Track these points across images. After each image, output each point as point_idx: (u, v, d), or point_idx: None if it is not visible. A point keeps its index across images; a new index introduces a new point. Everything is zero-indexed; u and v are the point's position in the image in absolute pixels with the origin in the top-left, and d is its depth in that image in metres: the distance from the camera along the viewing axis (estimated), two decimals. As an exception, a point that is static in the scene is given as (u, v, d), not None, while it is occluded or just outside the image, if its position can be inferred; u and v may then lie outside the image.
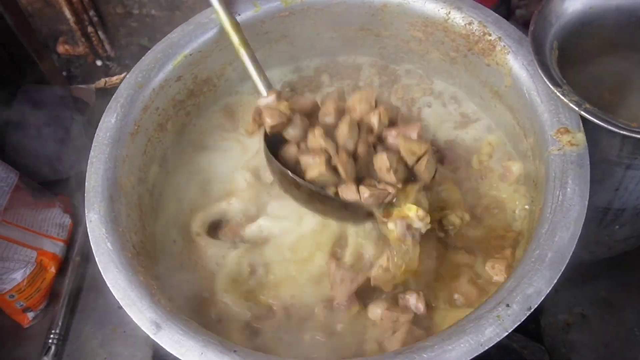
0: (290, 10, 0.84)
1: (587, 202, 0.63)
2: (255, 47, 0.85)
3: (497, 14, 0.77)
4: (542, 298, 0.58)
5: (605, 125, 0.63)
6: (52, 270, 0.98)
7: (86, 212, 0.69)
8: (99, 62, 1.15)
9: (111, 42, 1.10)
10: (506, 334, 0.57)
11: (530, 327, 0.88)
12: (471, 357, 0.56)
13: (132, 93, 0.77)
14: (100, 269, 0.65)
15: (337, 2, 0.84)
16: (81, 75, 1.18)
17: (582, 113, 0.65)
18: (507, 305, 0.58)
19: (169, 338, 0.60)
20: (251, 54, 0.76)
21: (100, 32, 1.10)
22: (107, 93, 0.74)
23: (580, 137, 0.66)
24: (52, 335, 0.94)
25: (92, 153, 0.73)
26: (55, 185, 1.07)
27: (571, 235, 0.61)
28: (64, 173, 1.07)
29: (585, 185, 0.64)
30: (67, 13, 1.04)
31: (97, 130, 0.74)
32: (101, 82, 1.13)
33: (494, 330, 0.57)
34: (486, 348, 0.56)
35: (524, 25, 0.75)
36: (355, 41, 0.89)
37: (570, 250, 0.61)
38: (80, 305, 0.98)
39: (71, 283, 0.99)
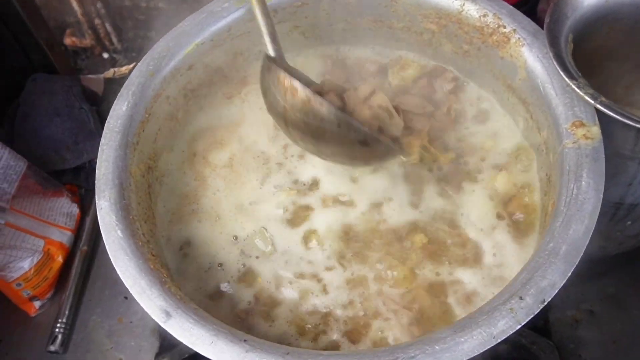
0: (304, 0, 0.83)
1: (602, 196, 0.62)
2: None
3: (511, 6, 0.76)
4: (557, 291, 0.58)
5: (621, 119, 0.62)
6: (60, 259, 0.98)
7: (96, 199, 0.68)
8: (105, 55, 1.15)
9: (118, 34, 1.10)
10: (519, 326, 0.57)
11: (539, 323, 0.88)
12: (484, 349, 0.56)
13: (144, 81, 0.77)
14: (110, 256, 0.65)
15: (348, -8, 0.83)
16: (88, 67, 1.18)
17: (598, 106, 0.64)
18: (521, 298, 0.58)
19: (179, 326, 0.60)
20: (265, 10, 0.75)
21: (107, 25, 1.09)
22: (116, 83, 0.73)
23: (596, 130, 0.66)
24: (58, 325, 0.94)
25: (102, 140, 0.73)
26: (63, 174, 1.07)
27: (585, 228, 0.61)
28: (72, 162, 1.06)
29: (601, 178, 0.63)
30: (75, 5, 1.04)
31: (108, 117, 0.74)
32: (110, 72, 1.12)
33: (507, 322, 0.57)
34: (499, 340, 0.56)
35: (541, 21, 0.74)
36: (368, 33, 0.88)
37: (585, 243, 0.60)
38: (87, 295, 0.98)
39: (78, 272, 0.99)
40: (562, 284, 0.58)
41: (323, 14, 0.86)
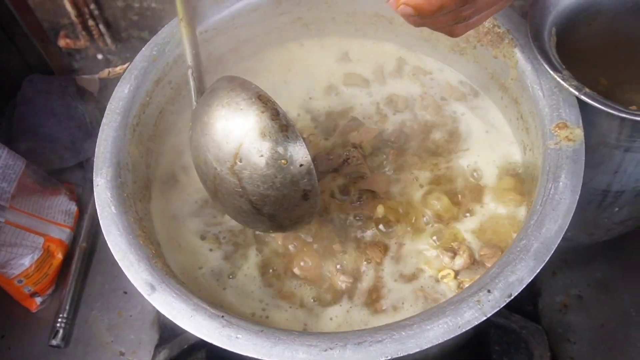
0: (302, -10, 0.86)
1: (577, 197, 0.63)
2: (270, 27, 0.88)
3: (509, 7, 0.77)
4: (524, 286, 0.60)
5: (605, 109, 0.65)
6: (59, 256, 1.00)
7: (94, 176, 0.72)
8: (100, 56, 1.14)
9: (112, 35, 1.09)
10: (484, 318, 0.58)
11: (529, 309, 0.89)
12: (448, 338, 0.58)
13: (146, 65, 0.80)
14: (103, 230, 0.68)
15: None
16: (82, 69, 1.18)
17: (582, 97, 0.66)
18: (489, 291, 0.60)
19: (162, 300, 0.63)
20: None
21: (101, 26, 1.08)
22: (110, 83, 0.74)
23: (578, 133, 0.67)
24: (59, 320, 0.95)
25: (104, 120, 0.76)
26: (61, 173, 1.09)
27: (558, 228, 0.62)
28: (69, 161, 1.09)
29: (578, 180, 0.64)
30: (68, 6, 1.03)
31: (110, 99, 0.77)
32: (105, 72, 1.14)
33: (472, 314, 0.58)
34: (463, 330, 0.58)
35: (522, 16, 0.75)
36: (369, 27, 0.90)
37: (556, 243, 0.61)
38: (86, 290, 1.01)
39: (78, 268, 1.01)
40: (529, 280, 0.60)
41: (325, 6, 0.88)
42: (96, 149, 0.74)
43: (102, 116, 0.76)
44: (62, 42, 1.14)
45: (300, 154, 0.62)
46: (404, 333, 0.58)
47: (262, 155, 0.61)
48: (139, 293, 0.64)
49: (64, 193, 1.05)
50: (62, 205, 1.03)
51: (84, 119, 1.11)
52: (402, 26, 0.87)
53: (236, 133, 0.62)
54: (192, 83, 0.74)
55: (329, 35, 0.92)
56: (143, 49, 0.81)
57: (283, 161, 0.61)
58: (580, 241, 0.91)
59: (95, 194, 0.71)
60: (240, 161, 0.62)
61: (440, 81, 0.88)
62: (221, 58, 0.88)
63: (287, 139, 0.61)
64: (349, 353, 0.58)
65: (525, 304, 0.88)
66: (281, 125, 0.61)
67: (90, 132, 1.10)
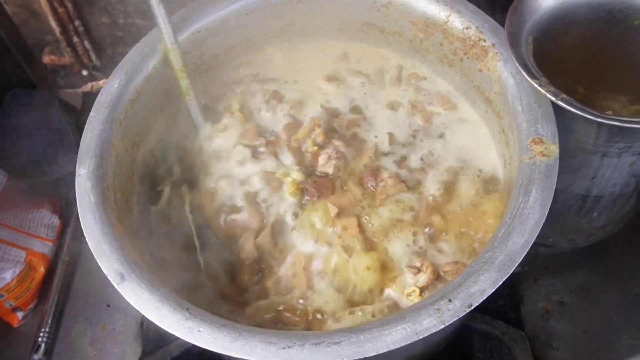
0: (300, -1, 0.87)
1: (546, 212, 0.63)
2: (263, 33, 0.89)
3: (495, 21, 0.78)
4: (484, 297, 0.60)
5: (582, 114, 0.65)
6: (41, 270, 1.00)
7: (77, 166, 0.73)
8: (84, 72, 1.15)
9: (97, 51, 1.09)
10: (443, 326, 0.58)
11: (512, 315, 0.89)
12: (405, 344, 0.58)
13: (137, 62, 0.82)
14: (80, 219, 0.69)
15: (343, -4, 0.87)
16: (67, 85, 1.19)
17: (559, 102, 0.67)
18: (449, 300, 0.60)
19: (130, 290, 0.64)
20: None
21: (85, 42, 1.08)
22: (94, 97, 0.75)
23: (553, 149, 0.67)
24: (41, 334, 0.95)
25: (91, 113, 0.78)
26: (43, 186, 1.10)
27: (525, 241, 0.62)
28: (52, 175, 1.10)
29: (549, 195, 0.64)
30: (53, 23, 1.03)
31: (100, 93, 0.79)
32: (88, 87, 1.14)
33: (431, 321, 0.59)
34: (421, 337, 0.58)
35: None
36: (360, 35, 0.91)
37: (521, 256, 0.61)
38: (69, 304, 1.01)
39: (60, 282, 1.01)
40: (491, 291, 0.60)
41: (318, 13, 0.89)
42: (81, 140, 0.75)
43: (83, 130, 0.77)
44: (46, 59, 1.13)
45: None
46: (362, 336, 0.59)
47: None
48: (122, 306, 0.65)
49: (47, 206, 1.05)
50: (45, 219, 1.04)
51: (66, 132, 1.12)
52: (393, 36, 0.88)
53: None
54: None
55: (322, 40, 0.94)
56: (136, 45, 0.83)
57: None
58: (561, 247, 0.92)
59: (76, 183, 0.72)
60: None
61: (431, 90, 0.89)
62: (214, 58, 0.89)
63: None
64: (306, 352, 0.58)
65: (508, 311, 0.89)
66: None
67: (73, 146, 1.08)
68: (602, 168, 0.75)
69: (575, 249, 0.92)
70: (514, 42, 0.71)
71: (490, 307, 0.87)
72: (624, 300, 0.91)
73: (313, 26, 0.91)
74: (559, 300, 0.92)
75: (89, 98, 1.18)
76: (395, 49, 0.91)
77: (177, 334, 0.61)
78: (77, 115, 1.16)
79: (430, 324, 0.59)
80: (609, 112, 0.67)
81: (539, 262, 0.94)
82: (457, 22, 0.80)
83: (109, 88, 0.79)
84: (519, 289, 0.93)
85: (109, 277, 0.65)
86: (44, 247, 1.01)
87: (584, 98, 0.84)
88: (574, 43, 0.79)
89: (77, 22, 1.07)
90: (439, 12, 0.81)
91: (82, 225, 0.69)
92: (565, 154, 0.68)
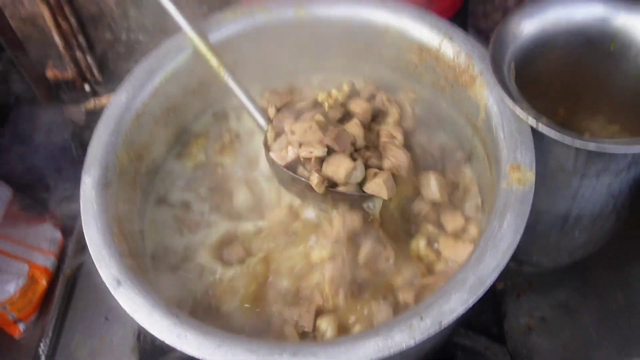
0: (301, 20, 0.91)
1: (519, 237, 0.66)
2: (266, 52, 0.94)
3: (484, 49, 0.81)
4: (455, 316, 0.63)
5: (560, 139, 0.69)
6: (43, 282, 1.03)
7: (82, 175, 0.78)
8: (87, 87, 1.18)
9: (99, 67, 1.12)
10: (414, 343, 0.62)
11: (494, 331, 0.92)
12: (377, 357, 0.61)
13: (144, 76, 0.86)
14: (83, 225, 0.74)
15: (344, 19, 0.90)
16: (70, 99, 1.21)
17: (539, 128, 0.70)
18: (421, 318, 0.63)
19: (125, 295, 0.69)
20: (244, 88, 0.84)
21: (88, 57, 1.10)
22: (96, 114, 0.78)
23: (530, 176, 0.70)
24: (42, 345, 0.98)
25: (98, 124, 0.82)
26: (46, 201, 1.14)
27: (496, 264, 0.65)
28: (55, 189, 1.13)
29: (522, 221, 0.67)
30: (57, 38, 1.05)
31: (107, 106, 0.84)
32: (90, 103, 1.17)
33: (402, 337, 0.62)
34: (392, 353, 0.62)
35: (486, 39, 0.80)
36: (359, 57, 0.95)
37: (492, 279, 0.65)
38: (69, 316, 1.04)
39: (61, 295, 1.04)
40: (462, 311, 0.63)
41: (319, 35, 0.93)
42: (88, 150, 0.80)
43: (87, 146, 0.81)
44: (50, 74, 1.16)
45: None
46: (337, 349, 0.62)
47: None
48: (121, 319, 0.69)
49: (49, 221, 1.09)
50: (48, 233, 1.08)
51: (69, 148, 1.16)
52: (390, 60, 0.92)
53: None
54: (256, 115, 0.84)
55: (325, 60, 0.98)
56: (143, 59, 0.87)
57: None
58: (544, 266, 0.94)
59: (81, 190, 0.77)
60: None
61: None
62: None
63: None
64: (283, 361, 0.62)
65: (490, 326, 0.92)
66: None
67: (76, 161, 1.09)
68: (582, 189, 0.78)
69: (558, 267, 0.95)
70: (496, 68, 0.75)
71: (474, 323, 0.90)
72: (602, 316, 0.94)
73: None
74: (540, 316, 0.95)
75: (92, 114, 1.22)
76: (389, 72, 0.95)
77: (166, 340, 0.65)
78: (80, 131, 1.21)
79: (402, 339, 0.62)
80: (587, 135, 0.71)
81: (522, 279, 0.97)
82: (449, 48, 0.83)
83: (117, 101, 0.84)
84: (502, 305, 0.96)
85: (106, 282, 0.70)
86: (46, 260, 1.05)
87: (565, 119, 0.87)
88: (554, 67, 0.83)
89: (80, 38, 1.09)
90: (432, 39, 0.85)
91: (84, 231, 0.74)
92: (547, 175, 0.72)
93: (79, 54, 1.13)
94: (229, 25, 0.91)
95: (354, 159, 0.76)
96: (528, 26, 0.79)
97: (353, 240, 0.78)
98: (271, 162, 0.81)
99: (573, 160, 0.75)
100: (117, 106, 0.84)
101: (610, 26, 0.80)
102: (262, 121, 0.84)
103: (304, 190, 0.78)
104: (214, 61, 0.85)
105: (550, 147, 0.74)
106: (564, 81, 0.85)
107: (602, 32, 0.81)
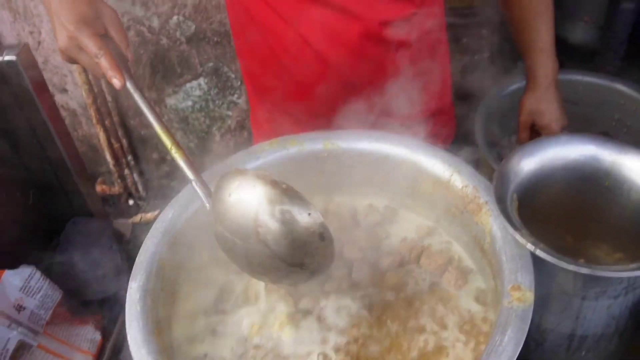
0: (327, 153, 1.04)
1: (519, 349, 0.72)
2: (301, 177, 1.05)
3: (488, 182, 0.92)
4: None
5: (557, 263, 0.77)
6: None
7: (130, 280, 0.88)
8: (131, 202, 1.29)
9: (144, 184, 1.23)
10: None
11: None
12: None
13: (190, 197, 0.98)
14: (126, 324, 0.83)
15: (362, 153, 1.04)
16: (115, 212, 1.35)
17: (537, 253, 0.78)
18: None
19: (159, 389, 0.76)
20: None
21: (135, 175, 1.22)
22: (142, 227, 0.87)
23: (529, 295, 0.78)
24: None
25: (148, 235, 0.93)
26: (90, 304, 1.23)
27: (498, 375, 0.71)
28: (99, 295, 1.23)
29: (522, 335, 0.74)
30: (108, 157, 1.18)
31: (156, 221, 0.96)
32: (137, 218, 1.29)
33: None
34: None
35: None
36: (380, 185, 1.06)
37: (495, 389, 0.70)
38: None
39: None
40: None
41: (344, 164, 1.05)
42: (136, 258, 0.91)
43: (133, 256, 0.91)
44: (98, 188, 1.29)
45: (304, 206, 0.77)
46: None
47: (275, 218, 0.76)
48: None
49: (91, 323, 1.18)
50: (88, 334, 1.16)
51: (117, 258, 1.27)
52: (407, 188, 1.03)
53: (250, 208, 0.77)
54: (199, 191, 0.87)
55: (347, 188, 1.10)
56: (191, 183, 1.00)
57: (291, 216, 0.76)
58: None
59: (127, 293, 0.87)
60: (261, 228, 0.76)
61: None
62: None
63: (291, 199, 0.77)
64: None
65: None
66: (282, 190, 0.77)
67: (121, 270, 1.24)
68: (584, 310, 0.84)
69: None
70: (500, 200, 0.85)
71: None
72: None
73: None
74: None
75: (138, 227, 1.29)
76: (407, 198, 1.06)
77: None
78: (127, 242, 1.31)
79: None
80: (582, 260, 0.78)
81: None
82: (458, 180, 0.94)
83: (164, 217, 0.96)
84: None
85: (145, 382, 0.78)
86: (84, 359, 1.12)
87: (572, 246, 0.95)
88: (556, 199, 0.92)
89: (129, 157, 1.21)
90: (443, 172, 0.96)
91: (127, 330, 0.82)
92: (550, 296, 0.79)
93: (126, 172, 1.24)
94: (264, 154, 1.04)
95: None
96: (528, 164, 0.91)
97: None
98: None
99: (572, 283, 0.82)
100: (164, 220, 0.95)
101: (603, 164, 0.91)
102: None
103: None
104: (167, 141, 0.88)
105: (552, 271, 0.81)
106: (567, 211, 0.93)
107: (596, 170, 0.91)
